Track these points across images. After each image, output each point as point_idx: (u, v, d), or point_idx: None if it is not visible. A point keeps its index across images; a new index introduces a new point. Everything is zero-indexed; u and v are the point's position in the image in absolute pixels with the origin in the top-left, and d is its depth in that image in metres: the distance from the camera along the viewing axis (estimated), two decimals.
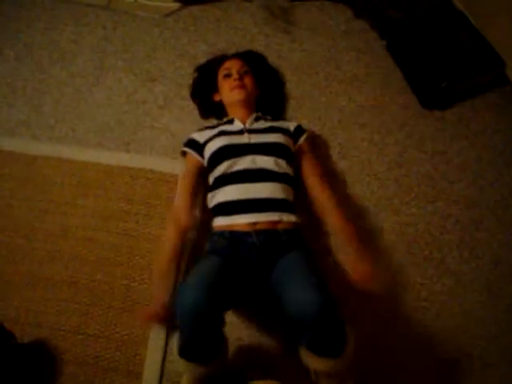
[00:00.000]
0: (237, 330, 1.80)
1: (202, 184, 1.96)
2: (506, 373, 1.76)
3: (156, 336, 1.79)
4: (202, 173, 1.95)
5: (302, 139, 1.99)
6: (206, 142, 1.93)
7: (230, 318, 1.78)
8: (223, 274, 1.56)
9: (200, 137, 1.97)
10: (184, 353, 1.51)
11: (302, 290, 1.43)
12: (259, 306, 1.83)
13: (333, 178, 2.14)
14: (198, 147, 1.95)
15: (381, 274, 1.77)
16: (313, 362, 1.49)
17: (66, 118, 2.30)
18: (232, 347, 1.73)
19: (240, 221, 1.73)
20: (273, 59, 2.40)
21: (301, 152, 1.97)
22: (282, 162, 1.85)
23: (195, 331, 1.43)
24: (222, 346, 1.56)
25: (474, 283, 1.94)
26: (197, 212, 1.96)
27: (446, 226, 2.06)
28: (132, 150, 2.21)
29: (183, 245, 1.82)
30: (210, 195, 1.87)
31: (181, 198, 1.89)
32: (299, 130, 2.02)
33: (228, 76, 2.04)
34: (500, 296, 1.91)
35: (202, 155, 1.94)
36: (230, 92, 2.01)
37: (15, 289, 1.87)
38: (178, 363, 1.56)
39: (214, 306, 1.42)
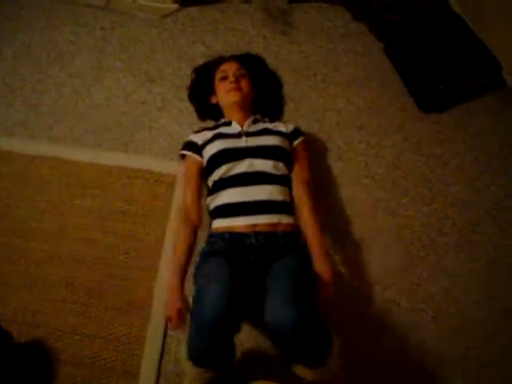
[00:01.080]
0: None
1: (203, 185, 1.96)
2: (503, 373, 1.77)
3: (153, 336, 1.79)
4: (203, 173, 1.94)
5: (296, 142, 1.99)
6: (204, 144, 1.93)
7: None
8: (237, 280, 1.55)
9: (198, 138, 1.97)
10: (194, 358, 1.49)
11: (282, 303, 1.43)
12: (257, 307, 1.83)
13: (330, 180, 2.16)
14: (197, 148, 1.94)
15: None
16: (296, 370, 1.51)
17: (64, 118, 2.30)
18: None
19: (239, 223, 1.73)
20: (271, 61, 2.39)
21: (294, 154, 1.97)
22: (280, 165, 1.86)
23: (212, 340, 1.41)
24: (233, 354, 1.57)
25: (470, 285, 1.94)
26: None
27: (443, 228, 2.07)
28: (130, 151, 2.21)
29: (196, 242, 1.80)
30: (209, 198, 1.87)
31: (188, 196, 1.87)
32: (296, 133, 2.02)
33: (224, 78, 2.03)
34: (496, 297, 1.92)
35: (201, 156, 1.94)
36: (225, 94, 2.00)
37: (12, 289, 1.87)
38: (184, 365, 1.55)
39: (233, 315, 1.42)
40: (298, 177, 1.91)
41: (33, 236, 1.98)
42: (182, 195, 1.94)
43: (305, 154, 1.99)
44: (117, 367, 1.74)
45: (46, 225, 2.01)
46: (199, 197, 1.88)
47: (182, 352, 1.54)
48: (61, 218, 2.03)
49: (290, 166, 1.91)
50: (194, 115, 2.25)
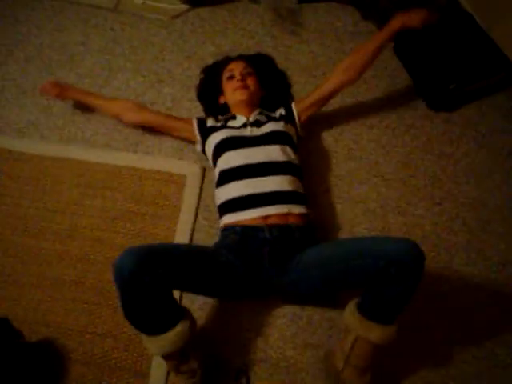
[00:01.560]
0: (241, 329, 1.80)
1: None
2: None
3: None
4: (182, 137, 2.15)
5: (294, 109, 2.07)
6: (211, 128, 2.00)
7: (233, 317, 1.81)
8: (199, 258, 1.59)
9: (208, 121, 2.05)
10: (133, 322, 1.47)
11: (395, 240, 1.47)
12: (263, 303, 1.84)
13: (340, 179, 2.15)
14: (204, 127, 2.04)
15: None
16: (363, 328, 1.50)
17: (74, 118, 2.31)
18: (238, 346, 1.75)
19: (250, 215, 1.74)
20: (280, 61, 2.40)
21: (305, 103, 2.08)
22: (288, 149, 1.88)
23: (131, 288, 1.39)
24: (175, 318, 1.50)
25: (481, 285, 1.93)
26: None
27: (453, 228, 2.05)
28: (140, 151, 2.22)
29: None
30: (216, 191, 1.88)
31: (148, 113, 2.18)
32: (287, 107, 2.08)
33: (231, 78, 2.06)
34: (508, 297, 1.90)
35: (202, 134, 2.02)
36: (232, 93, 2.03)
37: (24, 288, 1.88)
38: (144, 345, 1.53)
39: (152, 270, 1.40)
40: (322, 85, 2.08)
41: (44, 236, 1.99)
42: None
43: (306, 95, 2.12)
44: (127, 366, 1.74)
45: (56, 225, 2.02)
46: (152, 120, 2.16)
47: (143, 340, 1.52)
48: (71, 219, 2.04)
49: (297, 151, 1.93)
50: (203, 115, 2.26)
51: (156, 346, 1.49)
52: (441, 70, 2.32)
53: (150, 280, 1.39)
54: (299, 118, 2.05)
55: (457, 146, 2.26)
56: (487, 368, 1.76)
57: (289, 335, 1.79)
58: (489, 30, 2.41)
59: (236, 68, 2.08)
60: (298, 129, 2.06)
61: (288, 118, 2.04)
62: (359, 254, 1.49)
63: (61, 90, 2.24)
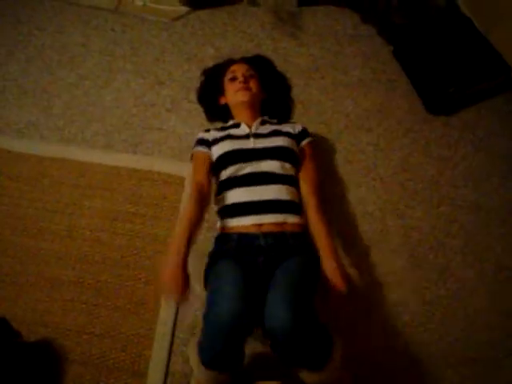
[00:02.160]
0: None
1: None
2: (510, 377, 1.76)
3: (161, 336, 1.80)
4: (211, 165, 1.93)
5: (303, 143, 1.99)
6: (214, 141, 1.95)
7: None
8: (248, 282, 1.53)
9: (208, 136, 1.99)
10: (207, 361, 1.47)
11: (279, 303, 1.41)
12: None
13: (338, 182, 2.16)
14: (207, 144, 1.96)
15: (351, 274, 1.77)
16: (300, 375, 1.51)
17: (74, 119, 2.32)
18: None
19: (245, 222, 1.74)
20: (280, 63, 2.40)
21: (301, 155, 1.97)
22: (287, 165, 1.86)
23: (227, 343, 1.39)
24: (243, 356, 1.56)
25: (478, 288, 1.94)
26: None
27: (451, 231, 2.06)
28: (139, 152, 2.22)
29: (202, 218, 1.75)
30: (215, 199, 1.89)
31: (200, 174, 1.86)
32: (303, 133, 2.02)
33: (234, 79, 2.06)
34: (504, 300, 1.91)
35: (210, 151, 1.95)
36: (234, 94, 2.02)
37: (22, 288, 1.88)
38: (193, 367, 1.54)
39: (249, 318, 1.40)
40: (306, 177, 1.90)
41: (43, 236, 2.00)
42: (191, 176, 1.94)
43: (312, 154, 1.99)
44: (125, 367, 1.74)
45: (55, 225, 2.02)
46: (209, 178, 1.87)
47: (191, 353, 1.53)
48: (70, 219, 2.04)
49: (297, 166, 1.91)
50: (203, 117, 2.27)
51: (206, 375, 1.51)
52: (440, 73, 2.33)
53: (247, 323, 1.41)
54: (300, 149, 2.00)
55: (455, 150, 2.27)
56: (483, 370, 1.77)
57: None
58: (487, 34, 2.41)
59: (238, 70, 2.08)
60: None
61: (296, 138, 1.99)
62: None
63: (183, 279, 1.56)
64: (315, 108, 2.38)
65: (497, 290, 1.93)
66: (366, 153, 2.26)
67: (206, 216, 1.99)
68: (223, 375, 1.51)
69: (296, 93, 2.36)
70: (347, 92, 2.43)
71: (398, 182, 2.18)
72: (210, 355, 1.45)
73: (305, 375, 1.50)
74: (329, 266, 1.64)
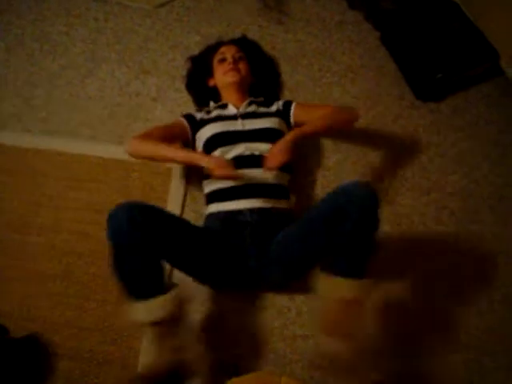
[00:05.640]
0: (229, 322, 1.79)
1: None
2: (501, 363, 1.77)
3: None
4: (182, 140, 1.98)
5: (292, 109, 2.01)
6: (201, 122, 1.96)
7: (221, 310, 1.80)
8: (190, 230, 1.63)
9: (196, 114, 2.01)
10: (123, 280, 1.47)
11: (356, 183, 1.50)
12: (245, 290, 1.84)
13: (327, 170, 2.14)
14: (193, 122, 1.97)
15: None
16: (336, 287, 1.49)
17: (58, 110, 2.27)
18: (226, 339, 1.75)
19: (233, 206, 1.76)
20: (267, 50, 2.38)
21: (299, 118, 1.99)
22: None
23: (122, 242, 1.42)
24: (165, 286, 1.50)
25: (468, 275, 1.94)
26: None
27: (441, 218, 2.06)
28: (125, 143, 2.19)
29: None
30: (204, 182, 1.89)
31: (159, 133, 1.89)
32: (287, 104, 2.04)
33: (223, 60, 2.06)
34: (495, 286, 1.92)
35: (193, 130, 1.96)
36: (223, 75, 2.03)
37: (8, 283, 1.86)
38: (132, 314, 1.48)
39: (145, 227, 1.42)
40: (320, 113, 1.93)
41: (28, 230, 1.96)
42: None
43: (308, 105, 2.07)
44: (115, 360, 1.73)
45: (41, 218, 1.99)
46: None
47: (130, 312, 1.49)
48: (56, 212, 2.01)
49: None
50: (190, 105, 2.24)
51: (143, 310, 1.45)
52: (428, 59, 2.32)
53: (142, 236, 1.41)
54: (294, 119, 2.02)
55: (444, 136, 2.26)
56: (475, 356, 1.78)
57: (277, 327, 1.79)
58: (476, 20, 2.40)
59: (228, 51, 2.08)
60: (291, 126, 2.02)
61: (283, 114, 2.01)
62: (323, 201, 1.57)
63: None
64: (303, 95, 2.36)
65: (488, 276, 1.94)
66: (355, 140, 2.24)
67: (193, 206, 1.99)
68: (151, 310, 1.45)
69: (283, 79, 2.35)
70: (335, 79, 2.41)
71: (387, 169, 2.17)
72: (116, 272, 1.46)
73: (340, 284, 1.48)
74: (281, 140, 1.74)
